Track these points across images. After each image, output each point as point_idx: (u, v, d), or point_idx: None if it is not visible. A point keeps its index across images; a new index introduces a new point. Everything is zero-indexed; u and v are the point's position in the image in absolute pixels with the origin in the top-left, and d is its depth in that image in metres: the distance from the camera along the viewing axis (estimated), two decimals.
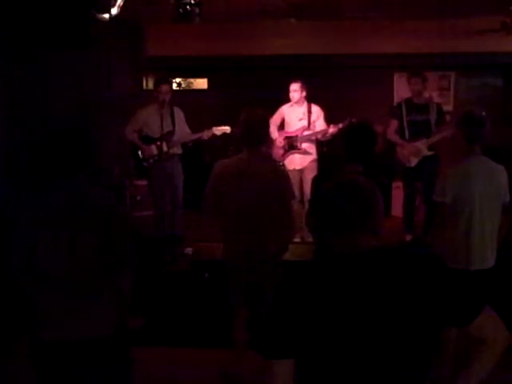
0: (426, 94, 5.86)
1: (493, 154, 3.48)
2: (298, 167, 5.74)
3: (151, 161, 5.56)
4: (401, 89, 8.05)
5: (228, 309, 3.64)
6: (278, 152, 5.80)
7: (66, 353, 2.33)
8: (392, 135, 5.57)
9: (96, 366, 2.36)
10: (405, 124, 5.46)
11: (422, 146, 5.35)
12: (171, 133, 5.55)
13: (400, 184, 6.84)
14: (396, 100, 8.01)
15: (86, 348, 2.32)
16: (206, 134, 5.50)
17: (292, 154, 5.77)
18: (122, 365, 2.45)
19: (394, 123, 5.55)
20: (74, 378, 2.36)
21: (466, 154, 3.40)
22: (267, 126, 3.63)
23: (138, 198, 6.94)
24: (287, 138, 5.78)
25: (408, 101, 5.55)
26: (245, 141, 3.46)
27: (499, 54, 7.01)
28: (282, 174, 3.62)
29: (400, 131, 5.52)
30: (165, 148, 5.50)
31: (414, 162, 5.41)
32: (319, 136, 5.73)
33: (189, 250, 5.55)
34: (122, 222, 2.43)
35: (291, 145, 5.75)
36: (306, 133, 5.72)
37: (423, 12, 6.53)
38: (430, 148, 5.35)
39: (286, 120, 5.84)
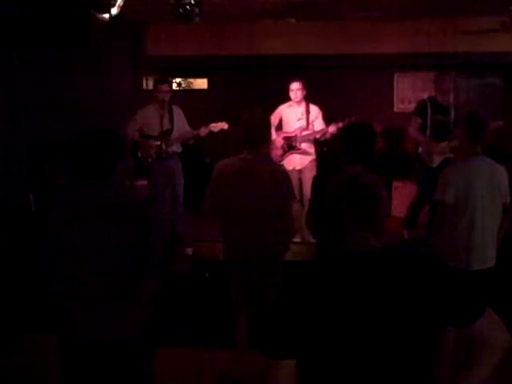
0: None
1: (493, 154, 3.48)
2: (297, 167, 5.72)
3: (150, 160, 5.56)
4: (401, 89, 8.08)
5: (228, 309, 3.63)
6: (276, 152, 5.76)
7: (93, 354, 2.32)
8: (416, 133, 5.39)
9: (122, 367, 2.36)
10: (428, 123, 5.29)
11: (446, 147, 5.16)
12: (169, 131, 5.56)
13: (400, 184, 6.85)
14: (396, 99, 8.05)
15: (114, 350, 2.32)
16: (202, 131, 5.48)
17: (291, 154, 5.74)
18: (146, 366, 2.46)
19: (418, 121, 5.34)
20: (101, 379, 2.35)
21: (467, 153, 3.40)
22: (267, 126, 3.63)
23: None
24: (286, 138, 5.75)
25: (432, 99, 5.38)
26: (245, 141, 3.46)
27: (499, 53, 7.01)
28: (282, 174, 3.62)
29: (422, 129, 5.33)
30: (163, 146, 5.51)
31: (436, 162, 5.24)
32: (318, 136, 5.71)
33: (189, 250, 5.55)
34: (155, 223, 2.41)
35: (290, 145, 5.72)
36: (304, 133, 5.70)
37: (423, 12, 6.53)
38: (453, 150, 5.04)
39: (284, 120, 5.81)
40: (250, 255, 3.45)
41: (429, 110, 5.28)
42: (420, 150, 5.43)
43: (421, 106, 5.39)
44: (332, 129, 5.48)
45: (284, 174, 3.63)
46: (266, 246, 3.45)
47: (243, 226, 3.44)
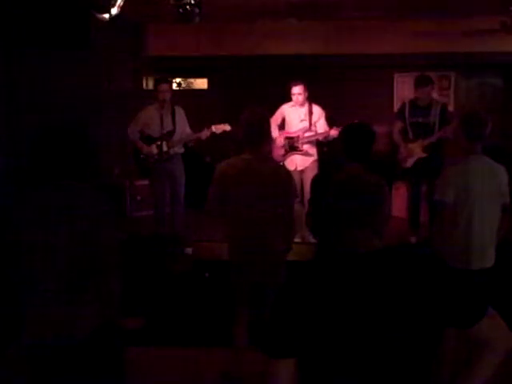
0: (433, 95, 5.85)
1: (493, 154, 3.48)
2: (298, 168, 5.73)
3: (152, 160, 5.55)
4: (401, 89, 8.08)
5: (229, 308, 3.64)
6: (278, 152, 5.79)
7: (49, 357, 2.31)
8: (395, 136, 5.64)
9: (82, 369, 2.34)
10: (408, 125, 5.50)
11: (415, 147, 5.42)
12: (171, 132, 5.55)
13: (400, 185, 6.85)
14: (396, 99, 8.05)
15: (72, 351, 2.30)
16: (204, 134, 5.47)
17: (293, 154, 5.76)
18: (112, 366, 2.44)
19: (398, 124, 5.59)
20: (58, 379, 2.34)
21: (467, 153, 3.40)
22: (268, 125, 3.62)
23: (138, 198, 6.94)
24: (288, 138, 5.76)
25: (412, 102, 5.55)
26: (246, 141, 3.46)
27: (499, 53, 7.01)
28: (284, 173, 3.62)
29: (405, 132, 5.55)
30: (165, 148, 5.50)
31: (409, 162, 5.49)
32: (320, 138, 5.72)
33: (189, 250, 5.55)
34: (110, 225, 2.38)
35: (292, 145, 5.74)
36: (307, 134, 5.71)
37: (423, 12, 6.53)
38: (425, 149, 5.38)
39: (287, 120, 5.82)
40: (253, 255, 3.45)
41: (406, 113, 5.50)
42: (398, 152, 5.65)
43: (400, 110, 5.67)
44: (334, 132, 5.45)
45: (286, 174, 3.64)
46: (269, 246, 3.45)
47: (246, 227, 3.44)
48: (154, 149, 5.53)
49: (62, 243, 2.28)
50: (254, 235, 3.42)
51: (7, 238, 2.34)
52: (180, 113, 5.68)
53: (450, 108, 7.74)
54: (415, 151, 5.43)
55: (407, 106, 5.56)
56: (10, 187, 4.66)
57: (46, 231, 2.29)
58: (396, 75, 8.01)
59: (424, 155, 5.39)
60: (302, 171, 5.74)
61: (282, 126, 5.88)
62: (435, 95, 6.54)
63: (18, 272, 2.34)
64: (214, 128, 5.50)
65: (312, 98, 5.77)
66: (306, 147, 5.73)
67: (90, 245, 2.30)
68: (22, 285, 2.36)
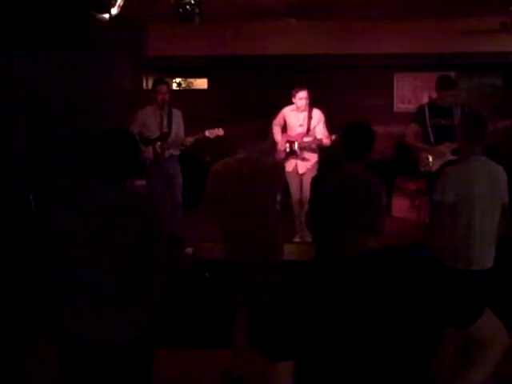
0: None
1: (493, 154, 3.48)
2: (299, 171, 5.72)
3: (147, 162, 5.56)
4: (401, 89, 8.08)
5: (228, 309, 3.64)
6: (280, 155, 5.78)
7: (95, 354, 2.32)
8: (412, 140, 5.37)
9: (121, 369, 2.36)
10: (429, 128, 5.22)
11: (445, 149, 5.10)
12: (167, 135, 5.55)
13: (400, 184, 6.86)
14: (396, 99, 8.05)
15: (113, 351, 2.32)
16: (188, 140, 5.47)
17: (292, 159, 5.73)
18: (145, 368, 2.46)
19: (414, 127, 5.32)
20: (99, 379, 2.35)
21: (467, 154, 3.40)
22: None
23: None
24: (289, 141, 5.76)
25: (431, 104, 5.36)
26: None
27: (499, 53, 7.01)
28: (273, 169, 3.59)
29: (424, 135, 5.28)
30: (159, 150, 5.51)
31: (436, 166, 5.15)
32: (315, 144, 5.67)
33: (189, 250, 5.55)
34: (159, 226, 2.40)
35: (291, 150, 5.72)
36: (306, 139, 5.67)
37: (423, 12, 6.53)
38: (454, 152, 4.94)
39: (287, 122, 5.81)
40: (248, 255, 3.46)
41: (427, 115, 5.22)
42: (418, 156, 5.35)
43: (418, 113, 5.33)
44: (334, 138, 5.42)
45: (274, 169, 3.62)
46: (264, 245, 3.46)
47: (240, 227, 3.46)
48: (150, 150, 5.53)
49: (117, 242, 2.28)
50: (249, 235, 3.43)
51: (61, 237, 2.33)
52: (177, 115, 5.68)
53: None
54: (444, 154, 5.09)
55: (426, 108, 5.29)
56: (10, 188, 4.67)
57: (101, 231, 2.28)
58: (396, 75, 8.01)
59: (454, 158, 4.87)
60: (301, 174, 5.73)
61: (283, 129, 5.87)
62: (426, 95, 6.46)
63: (68, 273, 2.33)
64: (207, 133, 5.50)
65: (312, 99, 5.75)
66: (305, 154, 5.69)
67: (141, 245, 2.30)
68: (67, 285, 2.35)
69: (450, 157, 5.02)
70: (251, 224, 3.42)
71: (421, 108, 5.37)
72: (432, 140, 5.22)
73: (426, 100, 6.61)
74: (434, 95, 5.48)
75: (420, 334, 1.52)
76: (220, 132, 5.50)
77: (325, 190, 1.62)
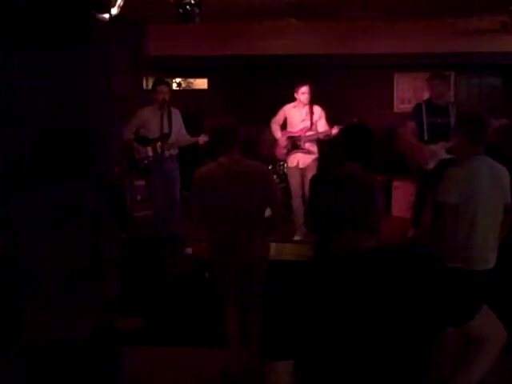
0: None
1: (492, 154, 3.48)
2: (300, 165, 5.89)
3: (146, 162, 5.57)
4: (401, 89, 8.08)
5: (218, 309, 3.65)
6: (281, 151, 5.96)
7: (49, 356, 2.31)
8: (407, 137, 5.46)
9: (78, 367, 2.34)
10: (425, 126, 5.32)
11: (439, 148, 5.20)
12: (167, 135, 5.56)
13: (400, 184, 6.87)
14: (396, 99, 8.05)
15: (64, 349, 2.31)
16: (201, 139, 5.45)
17: (295, 153, 5.90)
18: (107, 365, 2.44)
19: (411, 125, 5.42)
20: (57, 379, 2.34)
21: (470, 154, 3.39)
22: (236, 131, 3.56)
23: (138, 197, 6.95)
24: (290, 137, 5.90)
25: (428, 102, 5.43)
26: (217, 147, 3.50)
27: (499, 53, 7.01)
28: (260, 171, 3.58)
29: (419, 133, 5.37)
30: (159, 150, 5.51)
31: (431, 164, 5.27)
32: (321, 136, 5.85)
33: (189, 250, 5.56)
34: (109, 226, 2.39)
35: (294, 144, 5.88)
36: (308, 133, 5.84)
37: (423, 12, 6.54)
38: (448, 151, 5.03)
39: (289, 120, 5.95)
40: (233, 258, 3.48)
41: (424, 113, 5.31)
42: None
43: (415, 110, 5.44)
44: (335, 131, 5.57)
45: (262, 172, 3.60)
46: (247, 246, 3.47)
47: (224, 230, 3.48)
48: (149, 150, 5.54)
49: (62, 242, 2.29)
50: (233, 239, 3.45)
51: (6, 238, 2.33)
52: (176, 115, 5.69)
53: None
54: (438, 153, 5.20)
55: (423, 106, 5.40)
56: (9, 188, 4.67)
57: (46, 231, 2.29)
58: (396, 75, 8.01)
59: (448, 157, 4.98)
60: (302, 169, 5.88)
61: (283, 127, 6.00)
62: (426, 95, 6.49)
63: (16, 271, 2.34)
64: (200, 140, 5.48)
65: (312, 98, 5.82)
66: (307, 145, 5.86)
67: (89, 244, 2.30)
68: (21, 284, 2.35)
69: (445, 156, 5.12)
70: (232, 227, 3.45)
71: (418, 106, 5.48)
72: (426, 138, 5.32)
73: None
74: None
75: (419, 332, 1.52)
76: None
77: (323, 189, 1.62)
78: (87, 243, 2.30)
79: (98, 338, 2.37)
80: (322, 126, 5.84)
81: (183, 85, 8.73)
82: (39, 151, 2.36)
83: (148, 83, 7.81)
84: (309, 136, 5.83)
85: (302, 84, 5.75)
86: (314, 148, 5.90)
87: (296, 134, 5.86)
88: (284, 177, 6.56)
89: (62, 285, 2.31)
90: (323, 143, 6.21)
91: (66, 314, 2.32)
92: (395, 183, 6.96)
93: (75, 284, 2.32)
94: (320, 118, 5.86)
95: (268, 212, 3.56)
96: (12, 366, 2.39)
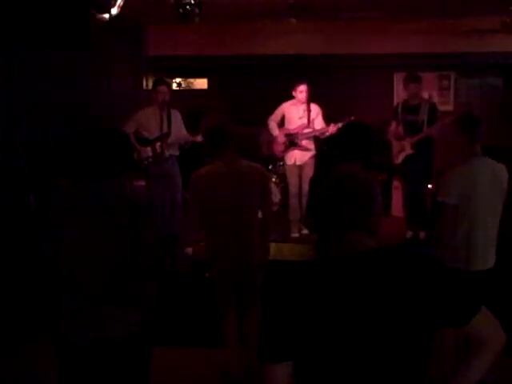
0: (424, 94, 6.01)
1: (492, 154, 3.48)
2: (297, 162, 5.97)
3: (146, 162, 5.56)
4: (401, 89, 8.06)
5: (215, 310, 3.65)
6: (278, 148, 6.04)
7: (87, 353, 2.32)
8: (390, 134, 5.89)
9: (116, 367, 2.35)
10: (400, 124, 5.77)
11: (405, 144, 5.67)
12: (167, 135, 5.56)
13: (400, 184, 6.87)
14: (396, 99, 8.05)
15: (107, 349, 2.31)
16: (199, 138, 5.44)
17: (292, 150, 5.95)
18: (141, 367, 2.45)
19: (393, 124, 5.85)
20: (95, 378, 2.35)
21: (468, 154, 3.40)
22: (227, 134, 3.55)
23: None
24: (288, 135, 5.96)
25: (404, 102, 5.82)
26: (211, 148, 3.48)
27: (499, 53, 7.01)
28: (259, 171, 3.59)
29: (400, 130, 5.80)
30: (158, 150, 5.51)
31: (399, 158, 5.77)
32: (318, 134, 5.93)
33: (189, 250, 5.55)
34: (153, 225, 2.38)
35: (292, 141, 5.95)
36: (306, 130, 5.90)
37: (423, 12, 6.53)
38: (413, 146, 5.61)
39: (287, 117, 6.01)
40: (231, 259, 3.49)
41: (399, 112, 5.78)
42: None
43: (395, 110, 5.94)
44: (332, 129, 5.72)
45: (261, 173, 3.61)
46: (246, 247, 3.49)
47: (223, 231, 3.48)
48: (148, 151, 5.54)
49: (103, 243, 2.27)
50: (229, 241, 3.46)
51: (49, 239, 2.33)
52: (176, 115, 5.70)
53: (450, 108, 7.77)
54: (405, 148, 5.67)
55: (400, 105, 5.82)
56: (9, 188, 4.67)
57: (87, 231, 2.28)
58: (396, 75, 8.01)
59: (412, 152, 5.62)
60: (300, 166, 5.96)
61: (281, 124, 6.07)
62: (426, 95, 6.68)
63: (58, 272, 2.34)
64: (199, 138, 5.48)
65: (312, 98, 5.86)
66: (304, 142, 5.93)
67: (130, 245, 2.28)
68: (63, 284, 2.35)
69: (410, 151, 5.66)
70: (229, 229, 3.45)
71: (397, 105, 5.98)
72: (401, 134, 5.78)
73: None
74: (434, 95, 5.75)
75: (418, 333, 1.52)
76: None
77: (322, 190, 1.62)
78: (128, 244, 2.28)
79: (139, 339, 2.38)
80: (319, 123, 5.91)
81: (183, 85, 8.73)
82: (80, 152, 2.34)
83: (148, 83, 7.82)
84: (306, 133, 5.89)
85: (299, 82, 5.82)
86: (311, 145, 5.98)
87: (293, 132, 5.92)
88: (284, 177, 6.58)
89: (102, 285, 2.29)
90: (321, 141, 6.25)
91: (105, 315, 2.31)
92: (395, 183, 6.96)
93: (116, 285, 2.31)
94: (317, 115, 5.93)
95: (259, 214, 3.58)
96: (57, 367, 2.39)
